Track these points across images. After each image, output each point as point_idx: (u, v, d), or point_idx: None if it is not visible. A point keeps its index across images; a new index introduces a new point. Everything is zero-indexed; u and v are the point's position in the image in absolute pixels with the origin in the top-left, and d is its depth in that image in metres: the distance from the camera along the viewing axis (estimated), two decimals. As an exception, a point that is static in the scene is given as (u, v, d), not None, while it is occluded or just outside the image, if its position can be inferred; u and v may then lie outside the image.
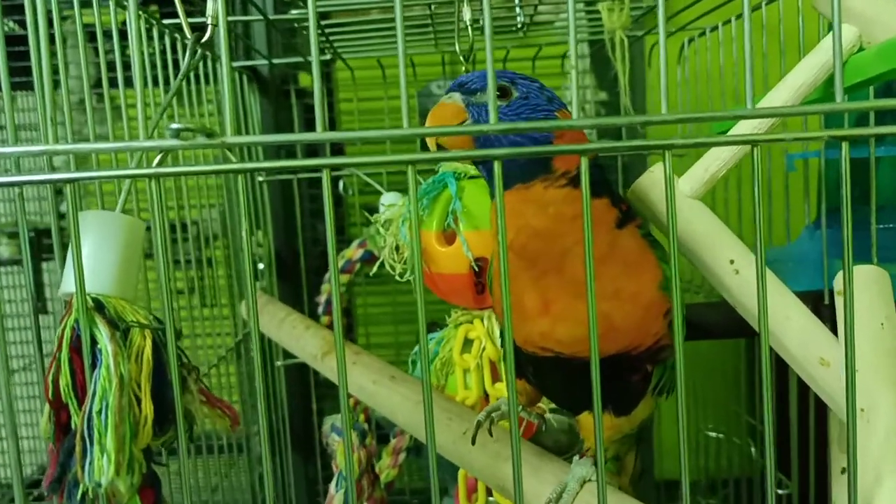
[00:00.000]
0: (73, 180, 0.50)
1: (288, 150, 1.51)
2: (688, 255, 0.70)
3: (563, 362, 0.63)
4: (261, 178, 1.45)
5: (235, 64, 1.40)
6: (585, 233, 0.51)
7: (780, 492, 1.19)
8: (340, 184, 1.45)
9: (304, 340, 1.12)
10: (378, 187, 1.25)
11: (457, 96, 0.62)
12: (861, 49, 0.65)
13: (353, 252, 1.33)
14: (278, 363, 1.47)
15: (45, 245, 1.81)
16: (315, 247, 1.70)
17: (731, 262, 0.67)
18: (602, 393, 0.51)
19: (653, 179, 0.70)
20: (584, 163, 0.50)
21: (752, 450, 1.37)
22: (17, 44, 0.88)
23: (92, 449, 0.49)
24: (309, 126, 1.68)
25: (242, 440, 1.52)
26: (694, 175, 0.69)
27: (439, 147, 0.60)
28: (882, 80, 0.62)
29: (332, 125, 1.75)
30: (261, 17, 1.21)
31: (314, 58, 0.49)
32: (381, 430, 1.44)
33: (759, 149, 0.50)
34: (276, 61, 1.41)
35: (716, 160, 0.68)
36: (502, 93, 0.61)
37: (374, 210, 1.25)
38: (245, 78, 1.40)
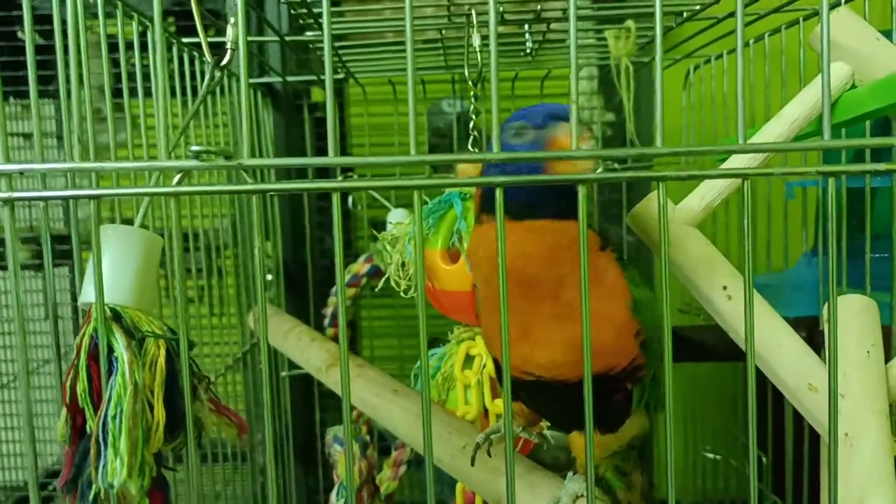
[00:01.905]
0: (97, 196, 0.53)
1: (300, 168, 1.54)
2: (683, 280, 0.72)
3: (545, 385, 0.66)
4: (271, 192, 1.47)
5: (250, 81, 1.44)
6: (582, 261, 0.53)
7: (774, 514, 1.20)
8: (350, 199, 1.48)
9: (310, 352, 1.14)
10: (386, 203, 1.28)
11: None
12: (854, 86, 0.68)
13: (360, 267, 1.35)
14: (283, 374, 1.50)
15: (55, 251, 1.84)
16: (323, 258, 1.72)
17: (724, 288, 0.69)
18: (585, 412, 0.53)
19: (651, 206, 0.72)
20: (582, 192, 0.53)
21: (748, 471, 1.38)
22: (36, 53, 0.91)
23: (106, 452, 0.52)
24: (320, 139, 1.72)
25: (247, 450, 1.54)
26: (690, 204, 0.71)
27: None
28: (875, 116, 0.64)
29: (343, 139, 1.78)
30: (277, 38, 1.24)
31: (328, 85, 0.51)
32: (383, 442, 1.46)
33: (750, 182, 0.53)
34: (290, 79, 1.45)
35: (711, 190, 0.70)
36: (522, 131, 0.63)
37: (381, 225, 1.28)
38: (259, 94, 1.43)
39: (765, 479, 1.24)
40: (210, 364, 1.35)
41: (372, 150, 1.60)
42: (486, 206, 0.66)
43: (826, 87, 0.51)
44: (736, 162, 0.65)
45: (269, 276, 1.59)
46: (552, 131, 0.62)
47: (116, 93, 0.87)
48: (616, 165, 1.22)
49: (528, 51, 1.20)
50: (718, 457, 1.43)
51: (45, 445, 2.02)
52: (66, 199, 0.53)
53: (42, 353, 2.01)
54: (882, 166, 0.53)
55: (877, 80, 0.65)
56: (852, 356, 0.66)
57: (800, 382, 0.67)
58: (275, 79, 1.45)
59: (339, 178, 0.55)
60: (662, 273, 0.54)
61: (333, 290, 1.39)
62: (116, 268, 0.58)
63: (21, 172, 0.53)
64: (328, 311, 1.37)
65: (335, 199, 0.53)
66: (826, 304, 0.72)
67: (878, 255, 0.95)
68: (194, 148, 0.52)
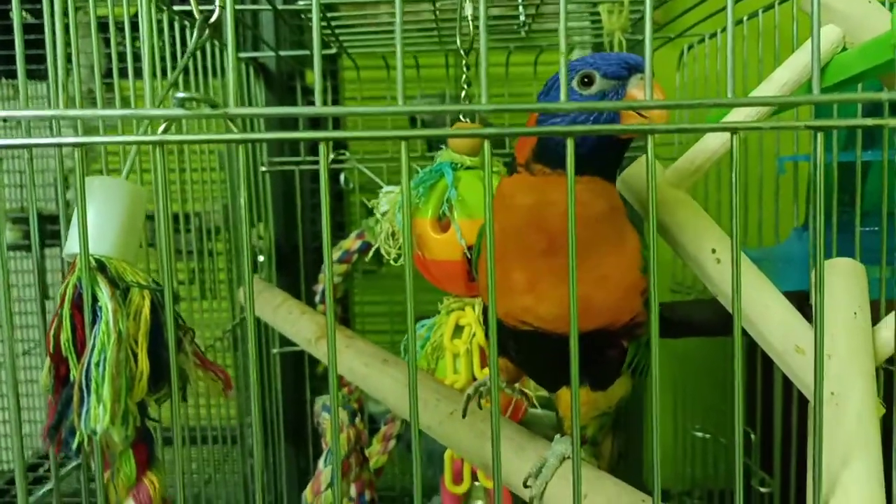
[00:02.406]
0: (81, 144, 0.53)
1: (292, 143, 1.54)
2: (671, 243, 0.72)
3: (542, 337, 0.66)
4: (263, 169, 1.47)
5: (242, 54, 1.43)
6: (570, 215, 0.52)
7: (762, 490, 1.20)
8: (341, 177, 1.47)
9: (300, 325, 1.14)
10: (378, 181, 1.28)
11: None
12: (845, 49, 0.68)
13: (352, 243, 1.35)
14: (274, 351, 1.49)
15: (48, 231, 1.84)
16: (314, 241, 1.72)
17: (713, 251, 0.69)
18: (579, 368, 0.53)
19: (640, 169, 0.72)
20: (570, 144, 0.53)
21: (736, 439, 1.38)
22: (27, 32, 0.91)
23: (89, 398, 0.51)
24: (314, 124, 1.72)
25: (237, 431, 1.54)
26: (680, 167, 0.71)
27: None
28: (865, 77, 0.64)
29: (337, 122, 1.78)
30: (269, 7, 1.24)
31: (315, 25, 0.51)
32: (374, 425, 1.46)
33: (739, 137, 0.53)
34: (282, 53, 1.44)
35: (702, 152, 0.70)
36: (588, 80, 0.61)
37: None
38: (252, 70, 1.42)
39: (753, 455, 1.24)
40: (201, 344, 1.34)
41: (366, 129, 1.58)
42: (540, 155, 0.64)
43: (816, 39, 0.50)
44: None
45: (261, 258, 1.58)
46: (628, 83, 0.59)
47: (108, 74, 0.86)
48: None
49: (522, 23, 1.19)
50: (708, 435, 1.43)
51: (37, 426, 2.02)
52: (48, 146, 0.52)
53: (34, 333, 2.00)
54: (870, 121, 0.53)
55: (866, 42, 0.65)
56: (839, 317, 0.66)
57: (787, 345, 0.67)
58: (267, 53, 1.44)
59: (330, 130, 0.54)
60: (650, 230, 0.54)
61: (323, 266, 1.39)
62: (101, 219, 0.58)
63: (4, 120, 0.52)
64: (319, 287, 1.37)
65: (322, 150, 0.52)
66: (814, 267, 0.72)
67: (867, 229, 0.95)
68: (179, 95, 0.51)
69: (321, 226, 1.51)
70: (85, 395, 0.52)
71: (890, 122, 0.52)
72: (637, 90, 0.59)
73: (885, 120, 0.53)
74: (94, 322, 0.54)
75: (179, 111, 0.52)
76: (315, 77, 0.51)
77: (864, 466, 0.56)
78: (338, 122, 1.78)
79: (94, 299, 0.55)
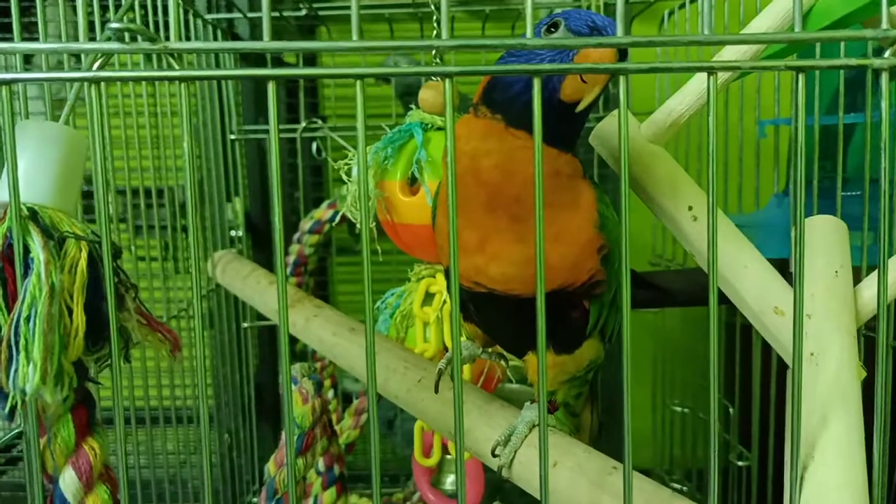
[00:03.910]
0: (8, 81, 0.49)
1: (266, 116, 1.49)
2: (646, 201, 0.69)
3: (498, 299, 0.63)
4: (233, 137, 1.43)
5: (212, 16, 1.38)
6: (537, 166, 0.49)
7: (739, 464, 1.19)
8: (314, 146, 1.43)
9: (268, 295, 1.11)
10: (349, 147, 1.24)
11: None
12: (828, -6, 0.65)
13: (323, 213, 1.32)
14: (245, 325, 1.45)
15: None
16: (292, 215, 1.68)
17: (690, 208, 0.67)
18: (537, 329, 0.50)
19: (613, 124, 0.69)
20: (537, 84, 0.49)
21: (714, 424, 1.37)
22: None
23: (18, 356, 0.48)
24: (290, 96, 1.67)
25: (213, 411, 1.50)
26: (656, 120, 0.68)
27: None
28: (847, 22, 0.61)
29: (315, 108, 1.73)
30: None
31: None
32: (347, 405, 1.43)
33: (715, 77, 0.50)
34: (250, 15, 1.39)
35: (679, 104, 0.67)
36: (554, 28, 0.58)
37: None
38: (220, 32, 1.37)
39: (731, 429, 1.22)
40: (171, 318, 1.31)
41: (342, 103, 1.55)
42: (487, 94, 0.60)
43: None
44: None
45: (234, 232, 1.54)
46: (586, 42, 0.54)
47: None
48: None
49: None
50: (687, 410, 1.41)
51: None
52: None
53: None
54: (854, 61, 0.50)
55: (849, -14, 0.62)
56: (820, 276, 0.63)
57: (765, 306, 0.65)
58: (236, 14, 1.39)
59: (273, 68, 0.50)
60: (623, 178, 0.50)
61: (295, 237, 1.35)
62: (36, 165, 0.54)
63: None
64: (290, 258, 1.33)
65: (271, 90, 0.49)
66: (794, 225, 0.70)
67: (849, 194, 0.92)
68: (114, 25, 0.47)
69: (297, 199, 1.47)
70: (14, 352, 0.48)
71: (874, 63, 0.50)
72: (591, 50, 0.54)
73: (868, 60, 0.50)
74: (25, 275, 0.50)
75: (116, 45, 0.48)
76: (264, 4, 0.47)
77: (843, 426, 0.53)
78: (317, 108, 1.74)
79: (27, 251, 0.51)
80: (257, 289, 1.13)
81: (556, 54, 0.56)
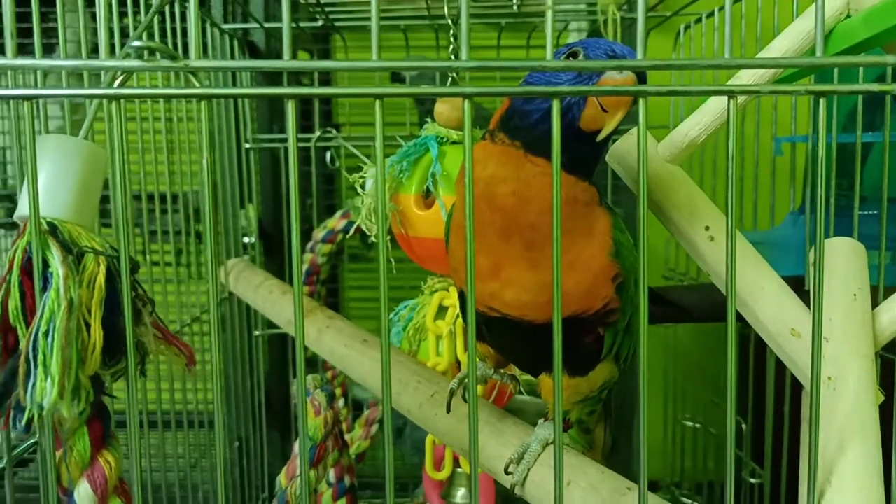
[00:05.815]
0: (32, 97, 0.49)
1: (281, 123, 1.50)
2: (663, 220, 0.69)
3: (512, 323, 0.62)
4: (247, 145, 1.43)
5: (228, 26, 1.39)
6: (555, 194, 0.49)
7: (752, 481, 1.18)
8: (327, 155, 1.44)
9: (281, 305, 1.11)
10: (363, 158, 1.24)
11: None
12: (849, 16, 0.64)
13: (336, 222, 1.32)
14: (256, 333, 1.45)
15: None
16: (304, 223, 1.68)
17: (707, 228, 0.66)
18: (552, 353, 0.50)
19: (631, 143, 0.68)
20: (556, 105, 0.49)
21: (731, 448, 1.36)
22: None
23: (36, 370, 0.48)
24: (305, 102, 1.68)
25: (224, 418, 1.50)
26: (673, 140, 0.68)
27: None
28: (869, 46, 0.61)
29: (329, 115, 1.74)
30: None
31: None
32: (359, 412, 1.43)
33: (735, 102, 0.49)
34: (267, 26, 1.40)
35: (696, 125, 0.66)
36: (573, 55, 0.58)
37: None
38: (236, 43, 1.38)
39: (744, 446, 1.21)
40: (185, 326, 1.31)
41: (356, 111, 1.55)
42: (506, 121, 0.60)
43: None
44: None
45: (247, 239, 1.55)
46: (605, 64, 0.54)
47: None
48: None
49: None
50: (698, 425, 1.40)
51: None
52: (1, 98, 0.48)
53: None
54: (875, 87, 0.50)
55: (869, 8, 0.61)
56: (838, 299, 0.63)
57: (782, 327, 0.64)
58: (252, 25, 1.40)
59: (291, 86, 0.50)
60: (641, 198, 0.50)
61: (308, 246, 1.35)
62: (55, 180, 0.54)
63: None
64: (302, 267, 1.34)
65: (290, 109, 0.49)
66: (814, 248, 0.69)
67: (866, 213, 0.92)
68: (135, 44, 0.48)
69: (309, 207, 1.47)
70: (32, 367, 0.48)
71: (894, 89, 0.49)
72: (614, 74, 0.54)
73: (889, 86, 0.49)
74: (44, 289, 0.50)
75: (137, 63, 0.48)
76: (284, 24, 0.47)
77: (860, 452, 0.53)
78: (331, 116, 1.75)
79: (46, 265, 0.51)
80: (269, 298, 1.13)
81: (575, 78, 0.56)
